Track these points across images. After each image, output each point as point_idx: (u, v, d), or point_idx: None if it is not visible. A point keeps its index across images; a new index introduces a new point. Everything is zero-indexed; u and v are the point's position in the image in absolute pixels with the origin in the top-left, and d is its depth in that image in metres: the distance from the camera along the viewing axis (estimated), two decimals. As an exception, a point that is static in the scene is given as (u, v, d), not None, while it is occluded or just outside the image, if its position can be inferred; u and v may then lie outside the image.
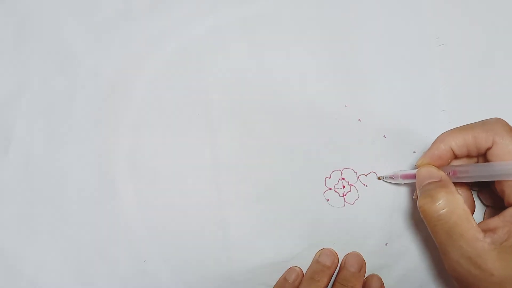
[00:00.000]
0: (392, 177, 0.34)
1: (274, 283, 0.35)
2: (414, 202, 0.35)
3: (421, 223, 0.35)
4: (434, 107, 0.36)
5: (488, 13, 0.37)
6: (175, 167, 0.37)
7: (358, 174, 0.36)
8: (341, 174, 0.36)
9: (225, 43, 0.38)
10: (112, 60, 0.39)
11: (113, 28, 0.39)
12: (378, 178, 0.35)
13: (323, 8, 0.38)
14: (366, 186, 0.35)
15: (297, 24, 0.38)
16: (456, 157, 0.30)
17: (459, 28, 0.37)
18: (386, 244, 0.35)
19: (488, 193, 0.33)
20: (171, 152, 0.37)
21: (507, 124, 0.28)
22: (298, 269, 0.35)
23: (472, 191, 0.33)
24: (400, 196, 0.35)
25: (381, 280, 0.34)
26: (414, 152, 0.35)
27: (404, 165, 0.35)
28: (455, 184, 0.29)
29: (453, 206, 0.26)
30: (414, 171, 0.31)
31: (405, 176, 0.33)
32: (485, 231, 0.26)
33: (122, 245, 0.36)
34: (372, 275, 0.35)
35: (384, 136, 0.36)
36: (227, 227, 0.36)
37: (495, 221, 0.27)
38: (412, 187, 0.35)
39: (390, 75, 0.36)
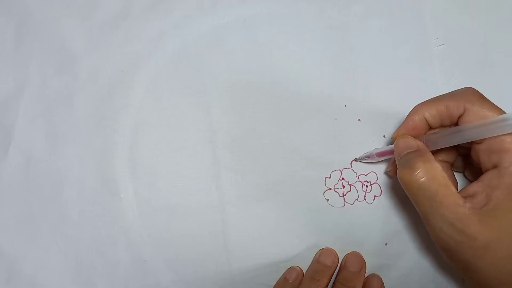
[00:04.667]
0: (367, 157, 0.34)
1: (274, 283, 0.35)
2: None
3: (421, 222, 0.35)
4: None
5: (488, 13, 0.37)
6: (175, 167, 0.37)
7: (358, 174, 0.36)
8: (341, 174, 0.36)
9: (225, 43, 0.38)
10: (112, 60, 0.39)
11: (113, 28, 0.39)
12: (355, 160, 0.35)
13: (323, 8, 0.38)
14: (366, 186, 0.35)
15: (297, 24, 0.38)
16: (430, 127, 0.30)
17: (459, 28, 0.37)
18: (386, 244, 0.35)
19: (472, 169, 0.33)
20: (171, 152, 0.37)
21: (477, 91, 0.28)
22: (298, 269, 0.35)
23: (456, 172, 0.33)
24: (400, 196, 0.35)
25: (381, 280, 0.34)
26: (384, 136, 0.36)
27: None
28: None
29: (432, 174, 0.27)
30: (389, 147, 0.32)
31: (381, 154, 0.33)
32: (465, 197, 0.26)
33: (122, 245, 0.36)
34: (372, 275, 0.35)
35: (384, 136, 0.36)
36: (227, 227, 0.36)
37: (474, 187, 0.27)
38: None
39: (390, 75, 0.36)
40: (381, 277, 0.34)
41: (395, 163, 0.31)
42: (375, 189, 0.35)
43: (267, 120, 0.37)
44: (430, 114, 0.29)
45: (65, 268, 0.37)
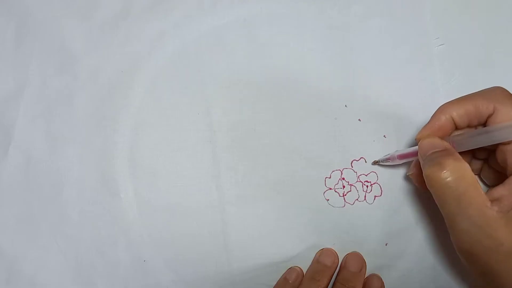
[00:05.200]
0: (388, 159, 0.34)
1: (274, 283, 0.35)
2: (414, 202, 0.35)
3: (421, 222, 0.35)
4: (434, 107, 0.35)
5: (488, 13, 0.37)
6: (175, 167, 0.37)
7: (358, 174, 0.36)
8: (341, 174, 0.36)
9: (225, 43, 0.38)
10: (112, 60, 0.39)
11: (113, 28, 0.39)
12: (374, 162, 0.35)
13: (323, 8, 0.38)
14: (367, 186, 0.35)
15: (297, 24, 0.38)
16: (456, 128, 0.29)
17: (459, 28, 0.37)
18: (386, 244, 0.35)
19: (491, 171, 0.32)
20: (171, 152, 0.37)
21: (506, 91, 0.28)
22: (298, 269, 0.35)
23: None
24: (400, 196, 0.35)
25: (382, 280, 0.34)
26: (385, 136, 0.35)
27: (404, 165, 0.35)
28: None
29: (462, 173, 0.25)
30: (411, 149, 0.31)
31: (403, 156, 0.32)
32: (491, 200, 0.25)
33: (122, 245, 0.36)
34: (372, 275, 0.35)
35: (384, 136, 0.36)
36: (227, 227, 0.36)
37: (500, 190, 0.26)
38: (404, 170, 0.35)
39: (390, 75, 0.36)
40: (381, 277, 0.34)
41: (418, 165, 0.30)
42: (376, 189, 0.35)
43: (267, 120, 0.37)
44: (457, 113, 0.28)
45: (65, 268, 0.37)
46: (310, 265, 0.35)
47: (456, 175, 0.25)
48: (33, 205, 0.37)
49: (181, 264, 0.36)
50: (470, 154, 0.31)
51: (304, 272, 0.35)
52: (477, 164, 0.33)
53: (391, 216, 0.35)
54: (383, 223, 0.35)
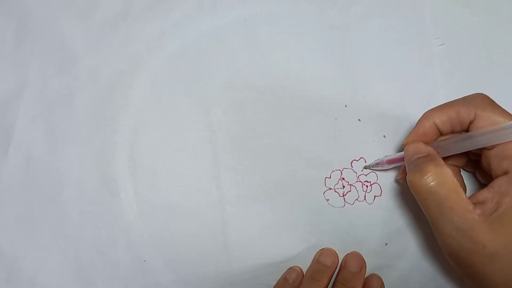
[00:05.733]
0: (377, 164, 0.34)
1: (274, 283, 0.35)
2: (414, 202, 0.35)
3: (421, 222, 0.35)
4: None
5: (488, 13, 0.37)
6: (175, 167, 0.37)
7: (358, 174, 0.36)
8: (341, 174, 0.36)
9: (225, 43, 0.38)
10: (112, 60, 0.39)
11: (113, 28, 0.39)
12: (365, 167, 0.35)
13: (323, 8, 0.38)
14: (366, 186, 0.35)
15: (297, 24, 0.38)
16: (441, 133, 0.30)
17: (459, 28, 0.37)
18: (386, 244, 0.35)
19: (483, 172, 0.32)
20: (171, 152, 0.37)
21: (487, 97, 0.28)
22: (298, 269, 0.35)
23: (469, 173, 0.33)
24: (400, 196, 0.35)
25: (381, 280, 0.34)
26: (385, 136, 0.35)
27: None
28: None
29: (443, 179, 0.26)
30: (399, 154, 0.32)
31: (391, 161, 0.33)
32: (475, 203, 0.26)
33: (122, 245, 0.36)
34: (372, 275, 0.35)
35: (384, 136, 0.36)
36: (227, 227, 0.36)
37: (484, 193, 0.27)
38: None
39: (390, 75, 0.36)
40: (381, 277, 0.34)
41: (405, 170, 0.30)
42: (375, 189, 0.35)
43: (267, 120, 0.37)
44: (440, 120, 0.29)
45: (65, 268, 0.37)
46: (310, 265, 0.35)
47: (437, 181, 0.26)
48: (33, 205, 0.37)
49: (181, 264, 0.36)
50: (466, 156, 0.32)
51: (304, 272, 0.35)
52: (472, 164, 0.33)
53: (391, 216, 0.35)
54: (383, 223, 0.35)
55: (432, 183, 0.26)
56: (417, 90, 0.36)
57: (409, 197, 0.35)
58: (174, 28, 0.38)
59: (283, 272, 0.35)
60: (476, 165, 0.33)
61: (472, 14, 0.37)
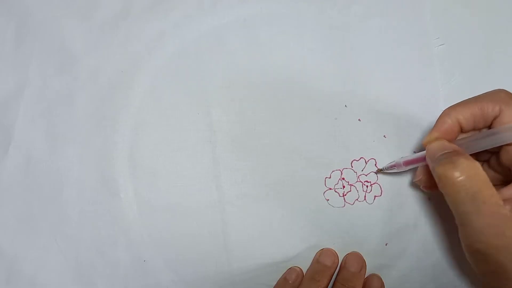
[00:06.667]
0: (393, 166, 0.33)
1: (274, 283, 0.35)
2: (414, 202, 0.35)
3: (421, 222, 0.35)
4: (434, 107, 0.35)
5: (488, 13, 0.37)
6: (175, 167, 0.37)
7: (358, 174, 0.36)
8: (341, 174, 0.36)
9: (225, 43, 0.38)
10: (112, 60, 0.39)
11: (113, 28, 0.39)
12: (378, 171, 0.35)
13: (323, 8, 0.38)
14: (366, 186, 0.35)
15: (297, 24, 0.38)
16: (462, 131, 0.29)
17: (459, 28, 0.37)
18: (386, 244, 0.35)
19: (492, 172, 0.31)
20: (171, 152, 0.37)
21: (510, 93, 0.28)
22: (298, 269, 0.35)
23: None
24: (400, 196, 0.35)
25: (382, 280, 0.34)
26: (385, 136, 0.35)
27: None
28: None
29: (475, 171, 0.25)
30: (417, 154, 0.31)
31: (408, 162, 0.32)
32: (504, 200, 0.25)
33: (122, 245, 0.36)
34: (372, 275, 0.35)
35: (384, 136, 0.36)
36: (227, 227, 0.36)
37: (509, 191, 0.26)
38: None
39: (390, 75, 0.36)
40: (381, 277, 0.34)
41: (424, 171, 0.30)
42: (375, 189, 0.35)
43: (267, 120, 0.37)
44: (464, 116, 0.28)
45: (65, 268, 0.37)
46: (310, 265, 0.35)
47: (469, 173, 0.25)
48: (33, 205, 0.37)
49: (181, 264, 0.36)
50: (473, 157, 0.31)
51: (304, 272, 0.35)
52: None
53: (391, 216, 0.35)
54: (383, 223, 0.35)
55: (463, 176, 0.25)
56: (417, 90, 0.36)
57: (409, 197, 0.35)
58: (174, 28, 0.38)
59: (283, 272, 0.35)
60: (484, 165, 0.32)
61: (472, 14, 0.37)
